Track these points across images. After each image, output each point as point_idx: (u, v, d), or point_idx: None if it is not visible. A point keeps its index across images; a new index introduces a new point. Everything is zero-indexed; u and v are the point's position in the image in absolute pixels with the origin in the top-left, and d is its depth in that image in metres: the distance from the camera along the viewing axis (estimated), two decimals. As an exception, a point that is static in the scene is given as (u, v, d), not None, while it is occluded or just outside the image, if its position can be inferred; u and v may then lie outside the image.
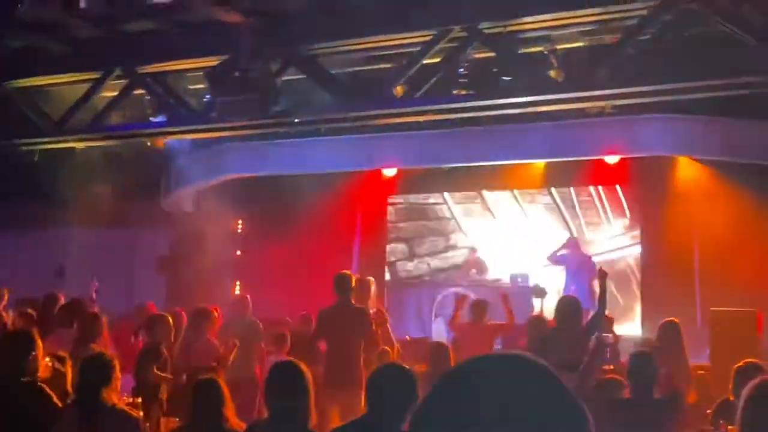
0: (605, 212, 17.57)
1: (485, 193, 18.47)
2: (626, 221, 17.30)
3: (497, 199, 18.46)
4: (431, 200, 19.12)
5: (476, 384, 1.57)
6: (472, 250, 18.23)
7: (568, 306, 9.51)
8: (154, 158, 17.46)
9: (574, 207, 17.77)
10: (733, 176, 14.79)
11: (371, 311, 10.27)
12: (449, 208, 18.90)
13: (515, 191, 18.22)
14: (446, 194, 18.86)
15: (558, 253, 16.41)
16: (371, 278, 10.95)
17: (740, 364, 7.32)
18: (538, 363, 1.62)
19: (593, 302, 10.89)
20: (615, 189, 17.40)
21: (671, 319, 9.97)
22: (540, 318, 11.02)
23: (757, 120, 13.54)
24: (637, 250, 17.07)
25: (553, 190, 17.85)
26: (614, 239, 17.37)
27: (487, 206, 18.54)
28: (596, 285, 15.37)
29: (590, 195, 17.71)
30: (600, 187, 17.50)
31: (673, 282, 15.88)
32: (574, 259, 16.14)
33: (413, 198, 19.20)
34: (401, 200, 19.38)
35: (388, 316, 10.83)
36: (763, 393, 3.77)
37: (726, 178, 14.96)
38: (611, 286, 11.45)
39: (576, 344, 9.03)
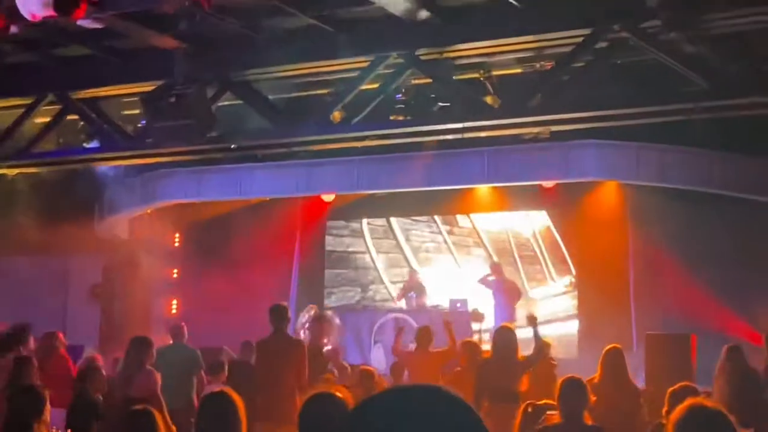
0: (548, 269, 17.71)
1: (416, 246, 18.57)
2: (572, 278, 17.45)
3: (435, 250, 18.57)
4: (351, 249, 19.19)
5: (391, 417, 1.56)
6: (412, 271, 18.20)
7: (504, 337, 9.59)
8: (87, 184, 17.21)
9: (515, 262, 17.87)
10: (666, 201, 15.00)
11: (327, 348, 10.24)
12: (372, 259, 18.99)
13: (452, 246, 18.33)
14: (370, 244, 18.97)
15: (487, 278, 16.63)
16: (328, 312, 10.85)
17: (674, 387, 7.39)
18: (452, 395, 1.61)
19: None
20: (558, 244, 17.57)
21: (614, 345, 10.06)
22: (473, 343, 11.06)
23: (689, 146, 13.76)
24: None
25: (488, 242, 17.97)
26: (558, 299, 17.51)
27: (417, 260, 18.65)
28: (515, 303, 15.71)
29: (532, 250, 17.84)
30: (541, 241, 17.64)
31: (609, 306, 16.05)
32: (500, 285, 16.35)
33: (334, 244, 19.26)
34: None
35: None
36: (689, 418, 3.79)
37: (659, 203, 15.16)
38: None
39: (513, 375, 9.11)
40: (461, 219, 18.56)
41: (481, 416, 1.60)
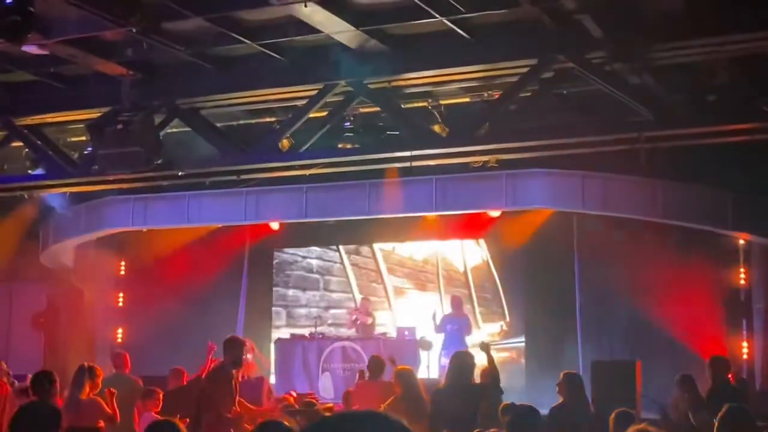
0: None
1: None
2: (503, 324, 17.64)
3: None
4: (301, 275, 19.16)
5: None
6: (365, 299, 18.09)
7: (462, 362, 9.56)
8: (31, 212, 16.98)
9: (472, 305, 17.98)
10: (611, 229, 15.15)
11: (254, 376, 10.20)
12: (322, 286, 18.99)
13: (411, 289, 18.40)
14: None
15: (443, 322, 16.44)
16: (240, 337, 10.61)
17: (614, 413, 7.46)
18: (396, 421, 1.62)
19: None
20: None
21: (571, 371, 10.11)
22: (408, 370, 10.96)
23: (634, 175, 13.94)
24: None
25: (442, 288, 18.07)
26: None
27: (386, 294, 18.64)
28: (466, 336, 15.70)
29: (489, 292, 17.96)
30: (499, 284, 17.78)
31: (556, 335, 16.16)
32: (457, 320, 16.30)
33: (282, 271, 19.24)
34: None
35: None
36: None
37: (604, 231, 15.31)
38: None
39: (470, 401, 9.07)
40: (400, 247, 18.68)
41: None
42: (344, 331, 18.12)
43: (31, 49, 10.31)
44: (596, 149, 12.14)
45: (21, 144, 14.32)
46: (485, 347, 10.25)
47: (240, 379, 10.02)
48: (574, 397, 9.51)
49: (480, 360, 10.35)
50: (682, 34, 10.32)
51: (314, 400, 10.70)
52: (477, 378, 10.09)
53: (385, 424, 1.61)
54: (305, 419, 8.67)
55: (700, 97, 11.38)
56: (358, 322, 17.66)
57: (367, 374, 12.35)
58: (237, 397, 9.65)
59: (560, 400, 9.61)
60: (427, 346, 16.35)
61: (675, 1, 10.12)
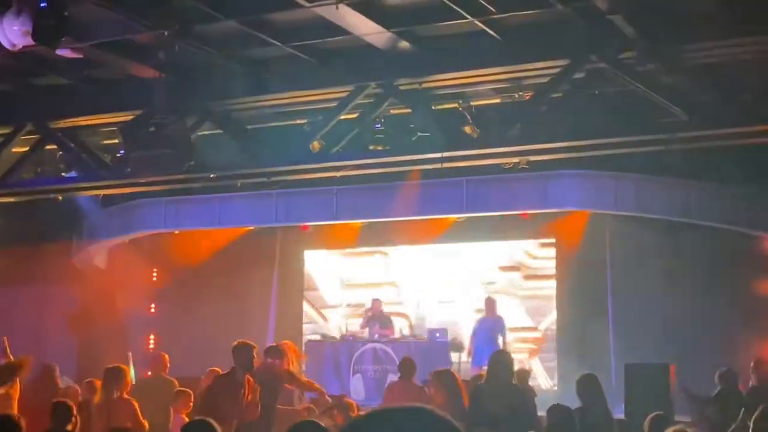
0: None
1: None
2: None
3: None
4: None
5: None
6: (376, 300, 17.82)
7: (503, 361, 9.51)
8: (65, 214, 17.12)
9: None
10: (644, 231, 15.06)
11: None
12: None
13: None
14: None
15: (478, 324, 16.37)
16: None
17: (650, 417, 7.40)
18: (441, 417, 1.60)
19: None
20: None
21: (589, 373, 10.00)
22: (448, 371, 10.89)
23: (666, 176, 13.85)
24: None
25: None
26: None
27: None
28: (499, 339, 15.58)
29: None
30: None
31: (589, 337, 16.04)
32: (490, 320, 16.19)
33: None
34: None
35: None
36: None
37: (637, 233, 15.22)
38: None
39: (508, 397, 9.01)
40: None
41: None
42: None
43: (65, 53, 10.36)
44: (629, 150, 12.08)
45: (55, 147, 14.43)
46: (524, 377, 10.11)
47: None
48: (591, 399, 9.42)
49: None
50: (714, 33, 10.24)
51: (351, 401, 10.68)
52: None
53: (433, 421, 1.59)
54: (341, 413, 8.65)
55: (733, 97, 11.28)
56: (372, 324, 17.30)
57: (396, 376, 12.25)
58: (253, 399, 9.58)
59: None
60: (458, 347, 16.30)
61: (708, 1, 10.04)
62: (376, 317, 17.30)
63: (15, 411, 8.86)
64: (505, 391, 9.17)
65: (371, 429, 1.58)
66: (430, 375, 10.61)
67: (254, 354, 9.70)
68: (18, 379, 9.85)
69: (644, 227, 14.94)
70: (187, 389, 10.85)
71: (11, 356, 11.42)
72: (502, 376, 9.31)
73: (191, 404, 10.54)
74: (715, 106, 11.27)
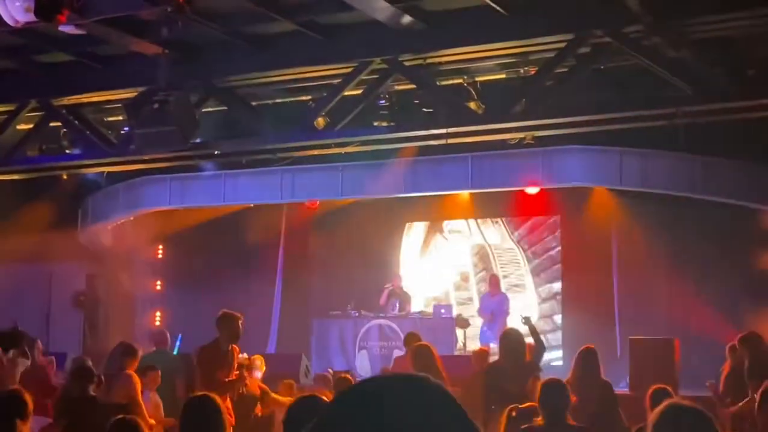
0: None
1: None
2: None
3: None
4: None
5: (374, 404, 1.55)
6: (396, 277, 17.90)
7: (515, 340, 9.49)
8: (70, 191, 17.13)
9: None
10: (650, 206, 15.03)
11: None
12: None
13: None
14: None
15: (482, 302, 16.42)
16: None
17: (651, 390, 7.40)
18: (435, 384, 1.60)
19: None
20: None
21: (588, 345, 9.98)
22: (485, 352, 10.86)
23: (672, 151, 13.80)
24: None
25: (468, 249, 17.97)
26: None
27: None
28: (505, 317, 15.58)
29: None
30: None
31: (593, 311, 16.03)
32: (494, 298, 16.22)
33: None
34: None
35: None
36: (667, 417, 3.76)
37: (642, 209, 15.19)
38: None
39: (523, 376, 9.00)
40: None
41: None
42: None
43: (68, 29, 10.34)
44: (634, 125, 12.04)
45: (59, 124, 14.42)
46: (528, 322, 10.11)
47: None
48: (583, 369, 9.41)
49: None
50: (720, 6, 10.18)
51: (349, 377, 10.68)
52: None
53: (424, 387, 1.59)
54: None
55: (739, 70, 11.23)
56: (392, 300, 17.35)
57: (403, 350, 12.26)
58: (233, 372, 9.37)
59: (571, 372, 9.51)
60: (463, 324, 16.33)
61: (714, -26, 9.99)
62: (396, 293, 17.34)
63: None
64: (525, 370, 9.17)
65: (365, 391, 1.59)
66: (409, 349, 10.42)
67: (239, 325, 9.44)
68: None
69: (650, 202, 14.90)
70: (154, 365, 10.74)
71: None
72: (516, 355, 9.31)
73: (158, 381, 10.46)
74: (721, 80, 11.21)
